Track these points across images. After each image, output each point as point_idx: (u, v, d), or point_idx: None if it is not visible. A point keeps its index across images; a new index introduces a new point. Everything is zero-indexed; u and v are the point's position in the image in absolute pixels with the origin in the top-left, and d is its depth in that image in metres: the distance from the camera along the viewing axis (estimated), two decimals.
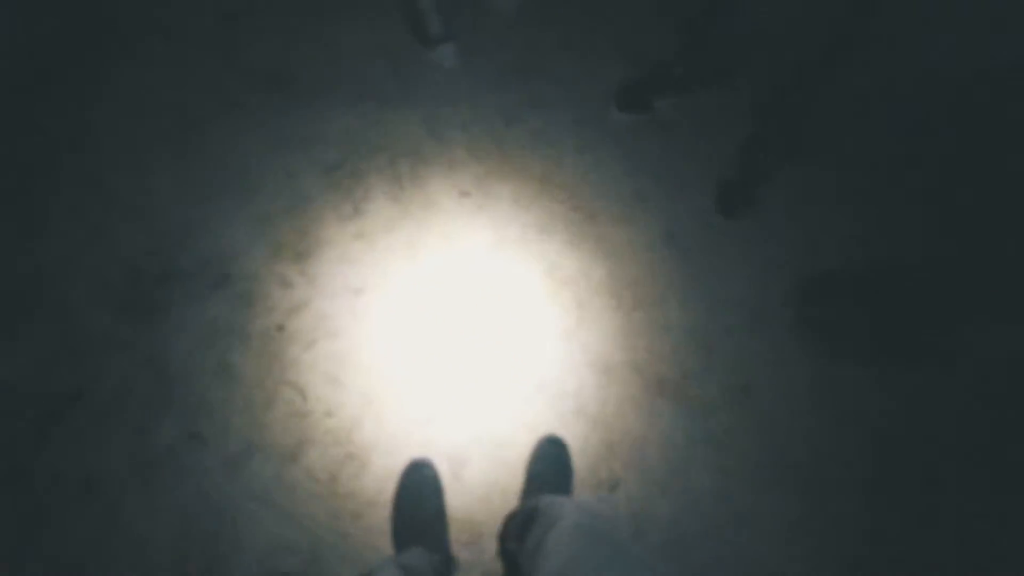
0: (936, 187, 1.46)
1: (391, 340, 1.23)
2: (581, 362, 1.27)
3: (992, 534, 1.21)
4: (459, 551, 1.09)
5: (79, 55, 1.32)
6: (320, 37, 1.42)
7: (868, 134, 1.50)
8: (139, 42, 1.35)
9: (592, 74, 1.50)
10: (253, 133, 1.32)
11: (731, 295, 1.37)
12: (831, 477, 1.26)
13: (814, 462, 1.28)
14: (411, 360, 1.23)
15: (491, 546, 1.11)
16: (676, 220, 1.41)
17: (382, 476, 1.16)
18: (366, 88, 1.40)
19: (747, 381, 1.31)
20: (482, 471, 1.16)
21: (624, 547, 0.59)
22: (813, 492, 1.25)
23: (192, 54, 1.36)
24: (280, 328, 1.22)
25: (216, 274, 1.23)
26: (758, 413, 1.29)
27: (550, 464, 1.15)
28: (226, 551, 1.06)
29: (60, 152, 1.25)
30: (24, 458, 1.09)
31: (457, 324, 1.26)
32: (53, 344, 1.16)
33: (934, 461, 1.27)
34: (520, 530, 0.83)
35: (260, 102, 1.35)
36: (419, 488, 1.10)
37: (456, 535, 1.11)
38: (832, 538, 1.21)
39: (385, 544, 1.09)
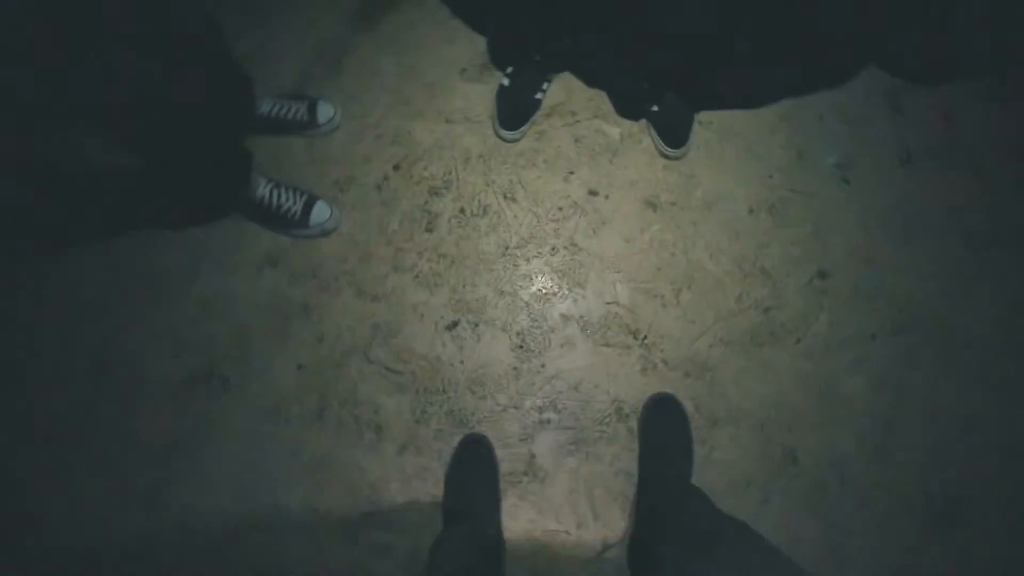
0: None
1: None
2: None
3: None
4: None
5: None
6: (194, 300, 1.19)
7: None
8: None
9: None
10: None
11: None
12: None
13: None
14: None
15: None
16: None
17: None
18: (272, 313, 1.19)
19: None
20: None
21: None
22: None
23: (79, 430, 1.13)
24: None
25: None
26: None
27: (668, 434, 1.09)
28: None
29: None
30: None
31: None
32: None
33: None
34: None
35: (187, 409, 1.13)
36: (473, 465, 1.07)
37: None
38: None
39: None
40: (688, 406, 1.15)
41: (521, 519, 1.10)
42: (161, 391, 1.15)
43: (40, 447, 1.12)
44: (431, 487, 1.11)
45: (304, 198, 1.19)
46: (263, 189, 1.17)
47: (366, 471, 1.11)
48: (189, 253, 1.22)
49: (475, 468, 1.08)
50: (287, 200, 1.18)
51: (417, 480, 1.11)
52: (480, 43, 1.35)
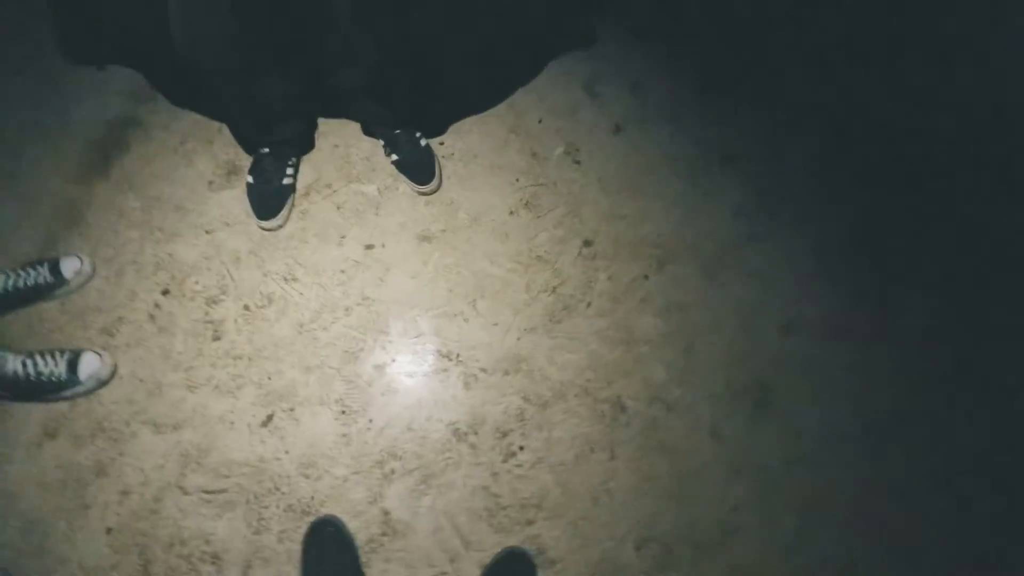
0: None
1: None
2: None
3: None
4: None
5: None
6: None
7: None
8: None
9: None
10: None
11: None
12: None
13: None
14: None
15: None
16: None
17: None
18: (63, 488, 1.09)
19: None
20: None
21: None
22: None
23: None
24: None
25: None
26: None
27: None
28: None
29: None
30: None
31: None
32: None
33: None
34: None
35: None
36: (323, 551, 1.03)
37: None
38: None
39: None
40: (516, 401, 1.21)
41: None
42: None
43: None
44: None
45: (66, 356, 1.13)
46: (12, 364, 1.09)
47: None
48: None
49: (326, 553, 1.03)
50: (46, 365, 1.11)
51: None
52: (218, 151, 1.42)
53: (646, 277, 1.36)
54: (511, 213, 1.41)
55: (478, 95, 1.55)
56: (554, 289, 1.33)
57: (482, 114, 1.53)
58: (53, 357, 1.13)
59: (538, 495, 1.13)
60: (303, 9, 1.03)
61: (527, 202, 1.42)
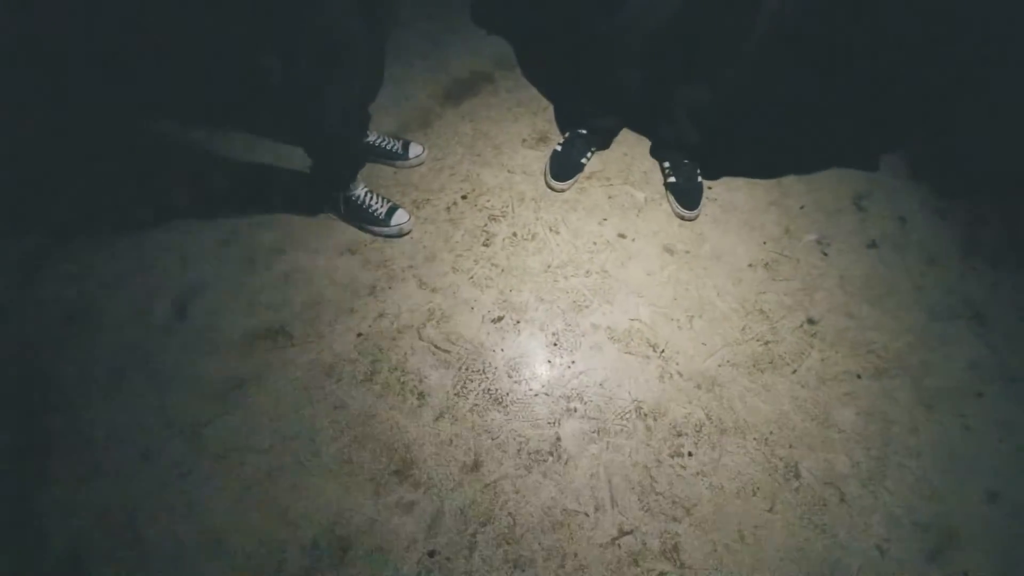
0: None
1: None
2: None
3: None
4: None
5: None
6: (279, 270, 1.38)
7: None
8: None
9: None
10: None
11: None
12: None
13: None
14: None
15: None
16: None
17: None
18: (344, 289, 1.38)
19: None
20: None
21: None
22: None
23: None
24: None
25: None
26: None
27: None
28: None
29: None
30: None
31: None
32: None
33: None
34: None
35: None
36: None
37: None
38: None
39: None
40: (699, 413, 1.29)
41: (543, 495, 1.16)
42: (231, 338, 1.28)
43: (104, 378, 1.22)
44: (461, 455, 1.19)
45: (389, 204, 1.47)
46: (361, 190, 1.44)
47: (404, 431, 1.20)
48: (284, 234, 1.45)
49: None
50: (376, 203, 1.45)
51: (449, 446, 1.19)
52: (538, 122, 1.76)
53: (859, 376, 1.37)
54: (749, 265, 1.53)
55: (758, 164, 1.74)
56: (767, 343, 1.40)
57: (753, 180, 1.71)
58: (381, 200, 1.47)
59: (691, 501, 1.17)
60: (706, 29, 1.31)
61: (767, 263, 1.54)
